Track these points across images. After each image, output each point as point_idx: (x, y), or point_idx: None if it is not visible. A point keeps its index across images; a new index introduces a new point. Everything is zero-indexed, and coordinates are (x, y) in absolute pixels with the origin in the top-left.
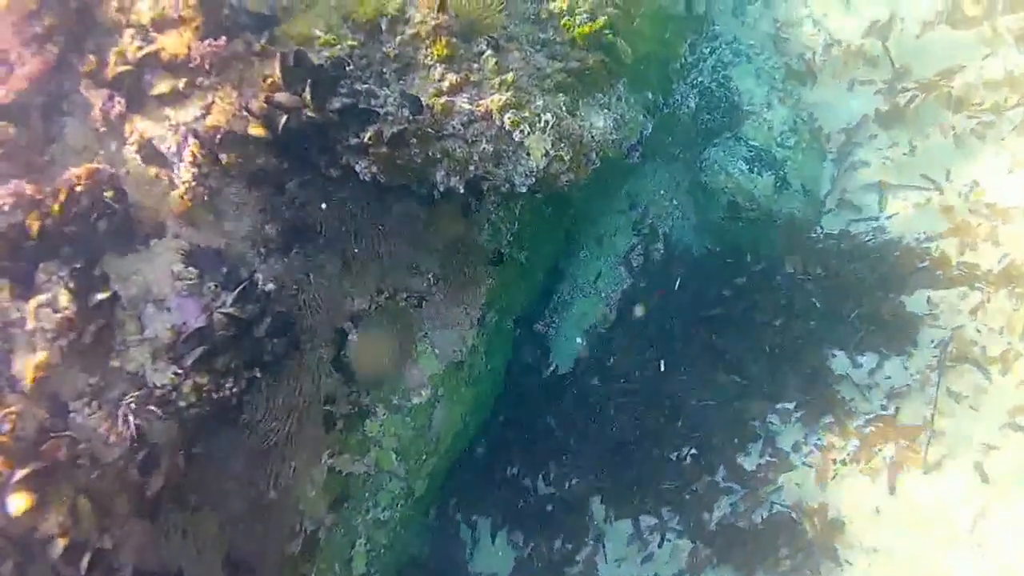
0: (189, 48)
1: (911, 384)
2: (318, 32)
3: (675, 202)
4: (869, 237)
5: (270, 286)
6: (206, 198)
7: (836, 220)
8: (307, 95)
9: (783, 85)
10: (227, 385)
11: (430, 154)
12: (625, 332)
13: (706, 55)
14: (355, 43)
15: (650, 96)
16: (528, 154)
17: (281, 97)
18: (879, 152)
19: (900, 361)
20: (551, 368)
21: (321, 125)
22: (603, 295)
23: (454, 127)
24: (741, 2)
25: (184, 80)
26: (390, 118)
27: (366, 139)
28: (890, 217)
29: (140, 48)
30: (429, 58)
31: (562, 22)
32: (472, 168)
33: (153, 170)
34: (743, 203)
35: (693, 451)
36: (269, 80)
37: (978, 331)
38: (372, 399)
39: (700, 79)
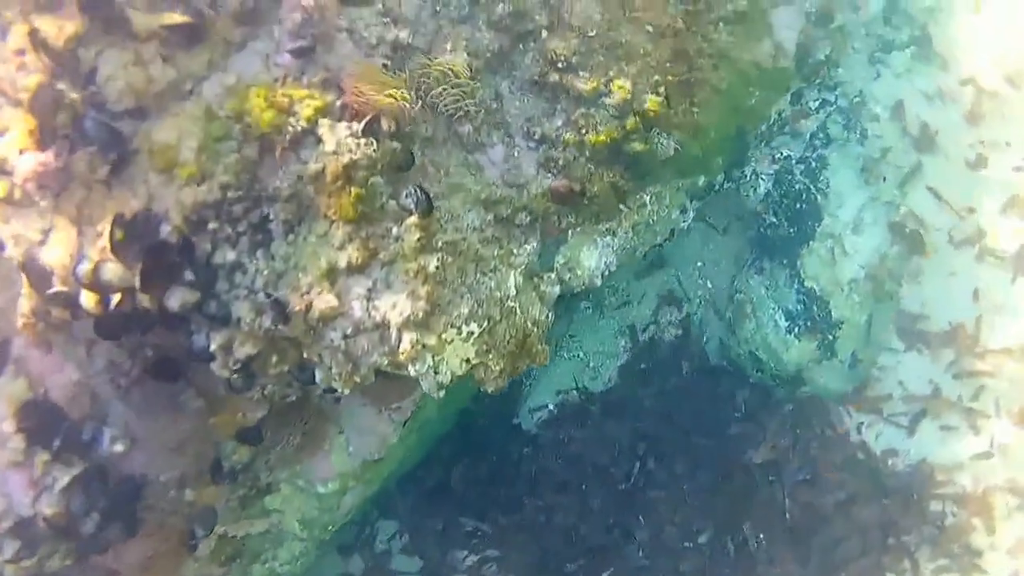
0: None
1: None
2: (187, 153)
3: (709, 286)
4: (879, 458)
5: (119, 447)
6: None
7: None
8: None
9: (893, 196)
10: (53, 566)
11: (303, 357)
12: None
13: (811, 111)
14: (232, 177)
15: (702, 181)
16: (436, 371)
17: (110, 274)
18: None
19: None
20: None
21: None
22: (591, 365)
23: (332, 340)
24: (887, 44)
25: (19, 191)
26: (245, 327)
27: (212, 348)
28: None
29: None
30: (333, 211)
31: (575, 116)
32: (358, 380)
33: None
34: (765, 361)
35: None
36: (100, 243)
37: None
38: (274, 480)
39: (788, 151)
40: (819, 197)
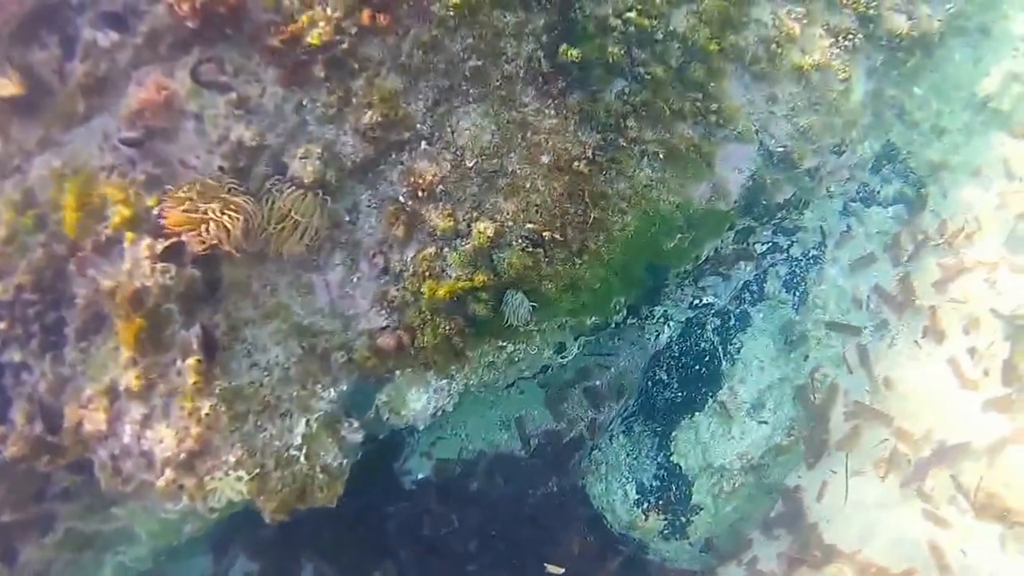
0: None
1: None
2: None
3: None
4: None
5: None
6: None
7: None
8: None
9: (809, 383)
10: None
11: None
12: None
13: (754, 255)
14: (31, 277)
15: (591, 320)
16: (205, 499)
17: None
18: None
19: None
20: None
21: None
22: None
23: (101, 456)
24: (869, 195)
25: None
26: (16, 430)
27: None
28: None
29: None
30: (119, 334)
31: (424, 253)
32: (129, 490)
33: None
34: (609, 522)
35: None
36: None
37: None
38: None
39: (711, 298)
40: (724, 363)
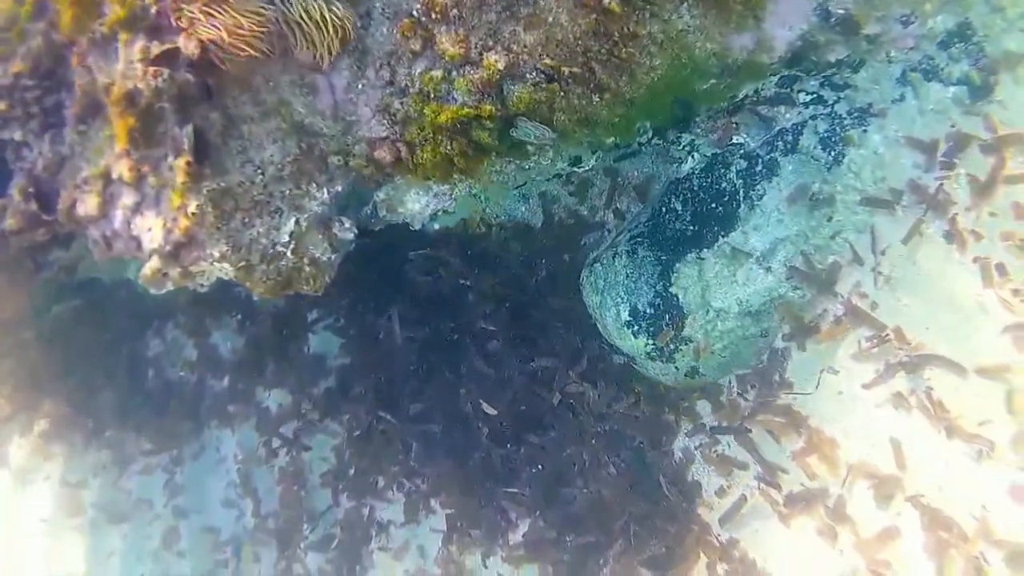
0: None
1: None
2: None
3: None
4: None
5: None
6: None
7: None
8: None
9: (827, 244)
10: None
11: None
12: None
13: (796, 103)
14: (29, 64)
15: (611, 140)
16: (196, 278)
17: None
18: None
19: None
20: None
21: None
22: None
23: (92, 235)
24: (932, 69)
25: None
26: (12, 206)
27: None
28: None
29: None
30: (114, 126)
31: (431, 73)
32: (125, 258)
33: None
34: (601, 332)
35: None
36: None
37: None
38: None
39: (743, 138)
40: (743, 207)
